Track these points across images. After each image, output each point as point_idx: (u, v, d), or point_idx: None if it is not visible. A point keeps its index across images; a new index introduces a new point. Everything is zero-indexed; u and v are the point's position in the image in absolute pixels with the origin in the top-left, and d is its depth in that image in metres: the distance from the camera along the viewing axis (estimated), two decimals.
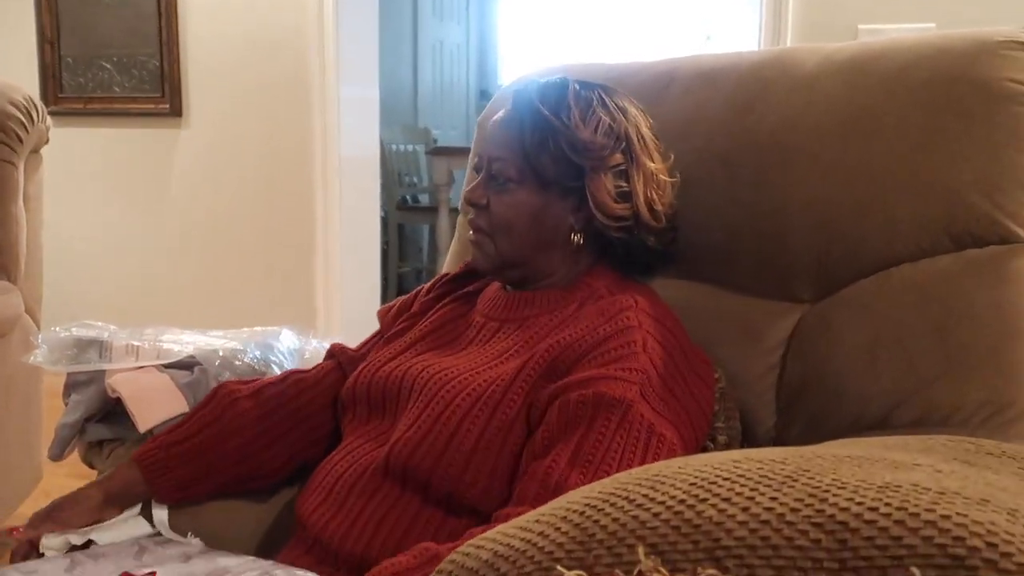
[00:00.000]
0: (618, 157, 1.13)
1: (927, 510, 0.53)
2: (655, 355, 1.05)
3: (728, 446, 1.14)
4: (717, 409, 1.15)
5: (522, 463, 1.02)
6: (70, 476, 2.58)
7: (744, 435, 1.20)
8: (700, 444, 1.09)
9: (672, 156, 1.20)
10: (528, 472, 0.99)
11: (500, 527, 0.65)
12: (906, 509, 0.53)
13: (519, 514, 0.84)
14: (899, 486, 0.56)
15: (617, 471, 0.93)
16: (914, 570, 0.49)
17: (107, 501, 1.18)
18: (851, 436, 1.07)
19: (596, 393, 1.00)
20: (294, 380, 1.29)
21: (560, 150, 1.11)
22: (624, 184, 1.13)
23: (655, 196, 1.15)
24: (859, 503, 0.55)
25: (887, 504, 0.54)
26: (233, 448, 1.21)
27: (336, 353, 1.34)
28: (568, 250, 1.17)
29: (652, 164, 1.15)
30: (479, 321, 1.21)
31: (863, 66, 1.20)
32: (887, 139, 1.14)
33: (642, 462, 0.96)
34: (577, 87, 1.16)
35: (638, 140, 1.15)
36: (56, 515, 1.15)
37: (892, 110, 1.15)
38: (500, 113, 1.19)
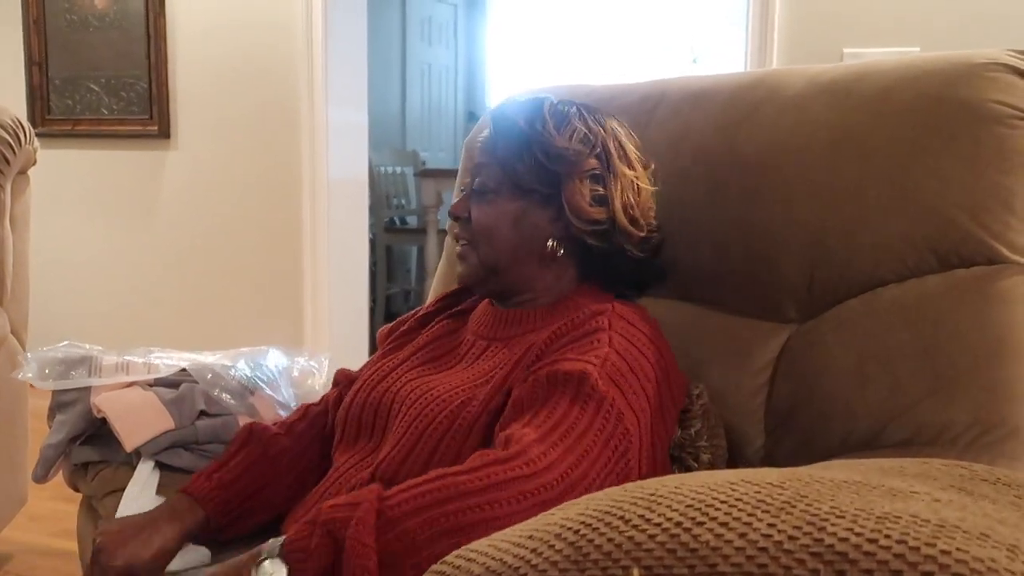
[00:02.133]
0: (592, 162, 1.14)
1: (927, 544, 0.53)
2: (622, 348, 1.05)
3: (712, 464, 1.14)
4: (700, 428, 1.14)
5: None
6: (55, 499, 2.56)
7: (732, 454, 1.20)
8: (660, 454, 1.08)
9: (653, 165, 1.21)
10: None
11: (491, 539, 0.65)
12: (906, 542, 0.53)
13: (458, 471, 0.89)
14: (898, 517, 0.55)
15: (575, 444, 0.95)
16: None
17: (183, 540, 1.13)
18: (840, 456, 1.07)
19: (549, 372, 1.02)
20: (315, 413, 1.29)
21: (534, 157, 1.14)
22: (600, 188, 1.14)
23: (633, 202, 1.16)
24: (858, 533, 0.54)
25: (887, 536, 0.53)
26: (286, 485, 1.21)
27: (341, 380, 1.34)
28: (547, 261, 1.17)
29: (630, 172, 1.17)
30: (469, 339, 1.22)
31: (848, 87, 1.21)
32: (873, 160, 1.15)
33: (597, 440, 0.97)
34: (554, 102, 1.18)
35: (616, 148, 1.16)
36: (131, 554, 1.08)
37: (878, 131, 1.16)
38: (484, 133, 1.22)
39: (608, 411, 0.99)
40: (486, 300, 1.26)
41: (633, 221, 1.16)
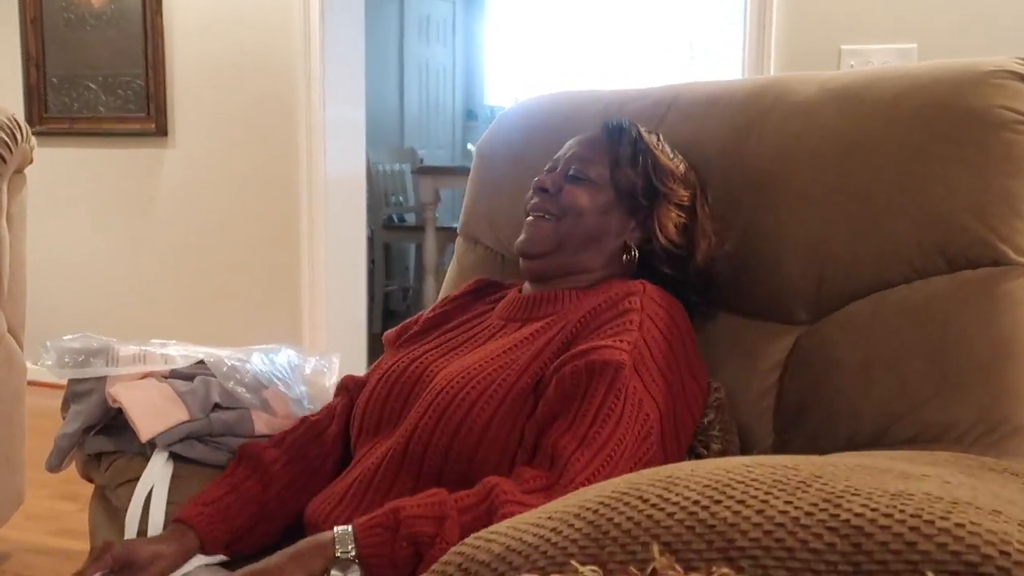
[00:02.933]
0: (687, 195, 1.23)
1: (941, 518, 0.54)
2: (649, 335, 1.09)
3: (722, 455, 1.15)
4: (713, 418, 1.16)
5: (526, 438, 1.06)
6: (53, 498, 2.55)
7: (742, 453, 1.20)
8: (683, 437, 1.11)
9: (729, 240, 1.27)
10: (538, 447, 1.04)
11: (510, 521, 0.66)
12: (920, 516, 0.54)
13: (513, 486, 0.94)
14: (912, 494, 0.57)
15: (609, 436, 1.00)
16: (929, 575, 0.50)
17: (180, 559, 1.13)
18: None
19: (588, 362, 1.05)
20: (313, 422, 1.28)
21: (645, 167, 1.22)
22: (685, 219, 1.22)
23: (704, 242, 1.23)
24: (873, 509, 0.56)
25: (901, 511, 0.55)
26: (274, 495, 1.20)
27: (349, 386, 1.33)
28: (613, 259, 1.23)
29: (710, 225, 1.25)
30: (497, 324, 1.24)
31: (858, 94, 1.23)
32: (882, 165, 1.17)
33: (628, 428, 1.02)
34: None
35: (703, 195, 1.26)
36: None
37: (886, 137, 1.18)
38: (590, 133, 1.28)
39: (631, 397, 1.03)
40: (514, 290, 1.29)
41: (703, 256, 1.23)
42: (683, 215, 1.23)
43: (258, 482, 1.19)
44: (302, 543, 0.97)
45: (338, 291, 3.55)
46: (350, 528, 0.95)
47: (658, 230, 1.21)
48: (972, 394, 1.06)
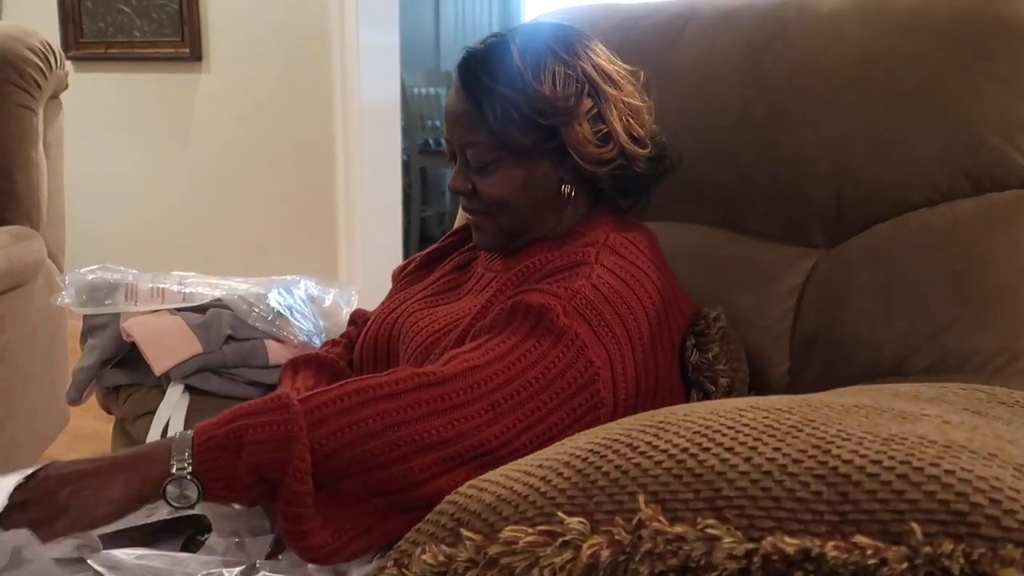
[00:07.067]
0: (587, 103, 1.08)
1: (931, 464, 0.52)
2: (600, 283, 1.02)
3: (731, 388, 1.13)
4: (718, 352, 1.12)
5: None
6: (97, 419, 2.60)
7: (757, 380, 1.19)
8: (648, 380, 1.06)
9: (642, 74, 1.16)
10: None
11: (503, 469, 0.65)
12: (910, 463, 0.52)
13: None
14: (904, 438, 0.55)
15: (518, 362, 0.94)
16: (914, 525, 0.48)
17: None
18: (865, 383, 1.06)
19: (515, 302, 1.00)
20: (338, 343, 1.30)
21: (527, 118, 1.07)
22: (602, 126, 1.09)
23: (632, 124, 1.11)
24: (863, 455, 0.53)
25: (891, 457, 0.53)
26: None
27: (357, 321, 1.34)
28: (562, 203, 1.14)
29: (619, 93, 1.11)
30: (479, 272, 1.21)
31: (882, 5, 1.17)
32: (906, 80, 1.12)
33: (555, 361, 0.96)
34: (521, 47, 1.10)
35: (600, 75, 1.10)
36: None
37: (911, 50, 1.12)
38: (452, 96, 1.14)
39: (568, 343, 0.97)
40: None
41: (638, 142, 1.12)
42: (598, 124, 1.09)
43: (329, 376, 1.19)
44: (136, 449, 0.88)
45: (374, 217, 3.55)
46: (189, 440, 0.86)
47: (581, 161, 1.09)
48: (995, 321, 1.02)
